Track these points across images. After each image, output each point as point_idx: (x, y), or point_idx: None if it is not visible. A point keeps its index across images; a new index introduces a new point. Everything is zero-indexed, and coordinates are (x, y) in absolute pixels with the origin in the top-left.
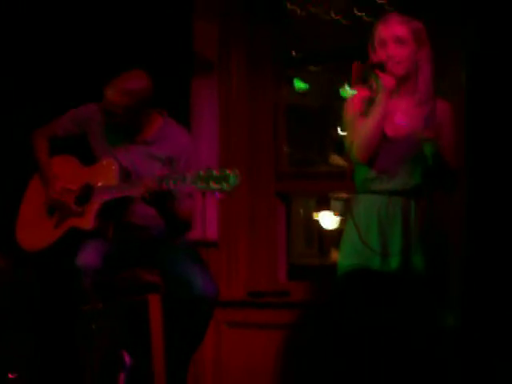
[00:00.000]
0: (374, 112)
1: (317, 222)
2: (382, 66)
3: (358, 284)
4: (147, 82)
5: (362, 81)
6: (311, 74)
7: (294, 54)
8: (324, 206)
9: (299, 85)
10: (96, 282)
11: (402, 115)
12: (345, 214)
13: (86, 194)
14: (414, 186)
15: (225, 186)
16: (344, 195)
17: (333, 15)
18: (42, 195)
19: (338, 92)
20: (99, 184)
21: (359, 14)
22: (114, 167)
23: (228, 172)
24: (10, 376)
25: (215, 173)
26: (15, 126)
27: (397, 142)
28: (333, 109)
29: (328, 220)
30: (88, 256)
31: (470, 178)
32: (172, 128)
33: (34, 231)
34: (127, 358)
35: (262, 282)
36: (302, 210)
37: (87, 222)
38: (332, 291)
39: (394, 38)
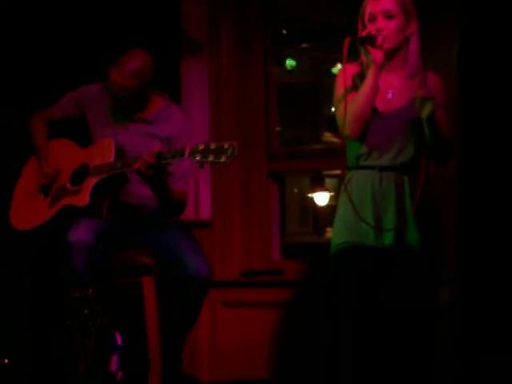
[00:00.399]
0: (364, 87)
1: (311, 200)
2: (372, 40)
3: (351, 260)
4: (151, 61)
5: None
6: (302, 51)
7: (284, 31)
8: (318, 184)
9: (290, 63)
10: (89, 260)
11: (393, 89)
12: (338, 190)
13: (81, 173)
14: (407, 160)
15: (223, 158)
16: (338, 173)
17: None
18: (37, 177)
19: (329, 70)
20: (95, 163)
21: None
22: (110, 145)
23: (226, 145)
24: (3, 362)
25: (213, 146)
26: (10, 110)
27: (388, 117)
28: (324, 86)
29: (322, 198)
30: (80, 232)
31: (463, 151)
32: (172, 110)
33: (28, 211)
34: (119, 339)
35: (256, 261)
36: (296, 189)
37: (82, 199)
38: (326, 269)
39: (383, 11)
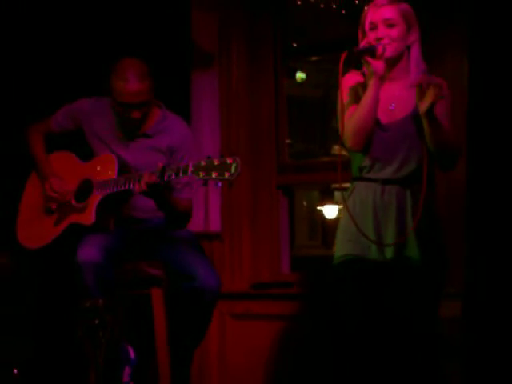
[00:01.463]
0: (365, 98)
1: (320, 213)
2: (371, 51)
3: (353, 274)
4: (149, 68)
5: (355, 67)
6: (312, 64)
7: (294, 44)
8: (327, 197)
9: (300, 76)
10: (98, 277)
11: (395, 100)
12: (344, 202)
13: (85, 189)
14: (410, 173)
15: (226, 175)
16: (347, 186)
17: (333, 5)
18: (41, 193)
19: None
20: (98, 179)
21: (359, 3)
22: (112, 161)
23: (229, 161)
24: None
25: (216, 162)
26: (11, 123)
27: (390, 129)
28: (334, 99)
29: (331, 211)
30: (88, 251)
31: (472, 161)
32: (170, 119)
33: (35, 229)
34: (132, 352)
35: (265, 274)
36: (305, 202)
37: (88, 217)
38: (327, 281)
39: (384, 20)
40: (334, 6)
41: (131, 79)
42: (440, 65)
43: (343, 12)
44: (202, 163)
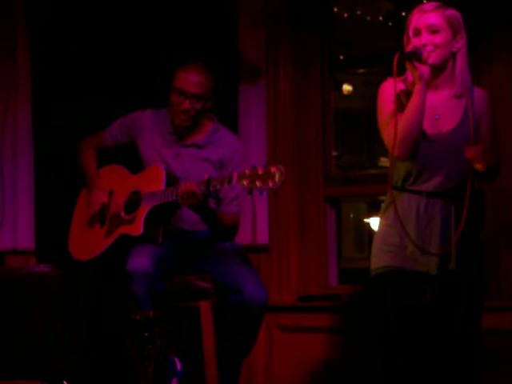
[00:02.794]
0: (411, 104)
1: (367, 225)
2: (418, 55)
3: (392, 287)
4: (213, 78)
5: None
6: (358, 76)
7: (341, 57)
8: (374, 209)
9: (347, 88)
10: (148, 287)
11: (440, 110)
12: (382, 212)
13: (134, 201)
14: (455, 186)
15: (270, 183)
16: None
17: (380, 17)
18: (88, 208)
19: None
20: (147, 190)
21: (406, 15)
22: (161, 173)
23: (273, 170)
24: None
25: (260, 171)
26: (63, 138)
27: (436, 141)
28: None
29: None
30: (139, 261)
31: None
32: (223, 133)
33: (86, 242)
34: (179, 364)
35: (312, 286)
36: (352, 214)
37: (136, 229)
38: (365, 294)
39: (428, 26)
40: (381, 19)
41: (195, 70)
42: (489, 70)
43: (390, 24)
44: (247, 172)
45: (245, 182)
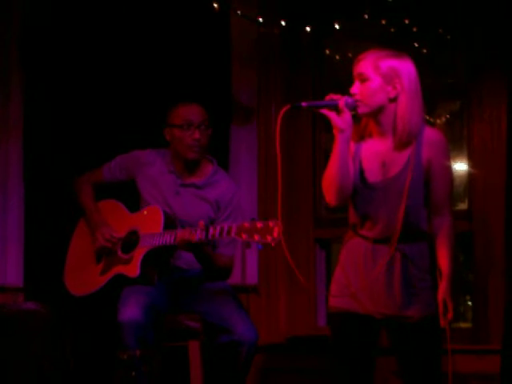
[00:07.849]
0: (332, 155)
1: None
2: (333, 106)
3: (342, 327)
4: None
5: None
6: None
7: None
8: None
9: None
10: (139, 337)
11: (383, 158)
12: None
13: (132, 240)
14: (399, 231)
15: (268, 239)
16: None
17: None
18: (89, 240)
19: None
20: (144, 231)
21: None
22: (159, 215)
23: (271, 225)
24: None
25: (258, 225)
26: (58, 172)
27: (380, 188)
28: None
29: None
30: (130, 310)
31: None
32: (221, 176)
33: (82, 277)
34: None
35: (301, 328)
36: None
37: (133, 270)
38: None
39: (359, 74)
40: None
41: (193, 104)
42: (478, 108)
43: None
44: (245, 225)
45: (243, 236)
